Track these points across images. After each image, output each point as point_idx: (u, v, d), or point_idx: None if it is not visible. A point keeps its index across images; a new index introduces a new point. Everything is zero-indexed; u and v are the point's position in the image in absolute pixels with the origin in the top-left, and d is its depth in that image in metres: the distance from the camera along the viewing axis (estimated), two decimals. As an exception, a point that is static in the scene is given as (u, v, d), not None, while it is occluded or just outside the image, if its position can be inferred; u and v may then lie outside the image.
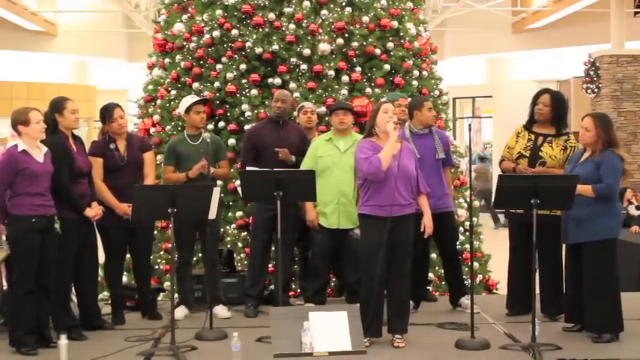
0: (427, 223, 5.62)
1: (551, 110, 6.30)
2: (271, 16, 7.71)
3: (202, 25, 7.82)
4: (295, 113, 7.12)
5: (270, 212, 6.30)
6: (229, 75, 7.62)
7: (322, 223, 6.45)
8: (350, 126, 6.51)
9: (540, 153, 6.25)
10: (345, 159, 6.34)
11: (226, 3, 7.82)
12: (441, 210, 6.31)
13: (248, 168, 6.39)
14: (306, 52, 7.61)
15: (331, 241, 6.48)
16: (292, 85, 7.59)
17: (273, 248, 6.68)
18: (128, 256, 6.57)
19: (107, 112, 6.22)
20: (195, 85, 7.73)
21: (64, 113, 5.80)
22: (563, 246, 5.94)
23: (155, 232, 7.02)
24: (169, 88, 7.95)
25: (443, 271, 6.90)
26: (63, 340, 5.12)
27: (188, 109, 6.50)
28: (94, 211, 5.84)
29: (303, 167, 6.37)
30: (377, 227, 5.41)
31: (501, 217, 17.17)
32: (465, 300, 6.45)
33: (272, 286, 6.81)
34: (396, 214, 5.41)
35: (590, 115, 5.79)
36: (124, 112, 6.33)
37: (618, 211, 5.83)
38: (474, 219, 7.31)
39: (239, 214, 7.36)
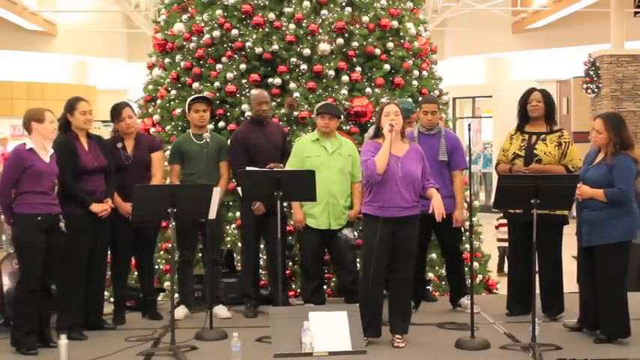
0: (435, 204, 5.34)
1: (545, 106, 6.31)
2: (271, 16, 7.71)
3: (202, 25, 7.82)
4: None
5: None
6: (229, 75, 7.61)
7: (310, 224, 6.46)
8: (334, 129, 6.51)
9: (535, 151, 6.23)
10: (333, 160, 6.39)
11: (226, 3, 7.82)
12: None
13: (247, 168, 6.40)
14: (306, 52, 7.61)
15: (319, 241, 6.49)
16: (292, 85, 7.59)
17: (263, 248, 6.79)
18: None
19: (116, 112, 6.27)
20: (195, 85, 7.73)
21: (75, 114, 5.85)
22: (574, 248, 5.88)
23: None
24: (169, 88, 7.96)
25: (444, 271, 6.89)
26: (63, 340, 5.12)
27: (189, 108, 6.54)
28: (100, 207, 5.83)
29: (289, 166, 6.37)
30: (376, 227, 5.39)
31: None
32: (465, 300, 6.45)
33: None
34: (397, 215, 5.40)
35: (600, 117, 5.67)
36: (134, 112, 6.34)
37: (634, 213, 5.59)
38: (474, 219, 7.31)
39: (239, 214, 7.35)
